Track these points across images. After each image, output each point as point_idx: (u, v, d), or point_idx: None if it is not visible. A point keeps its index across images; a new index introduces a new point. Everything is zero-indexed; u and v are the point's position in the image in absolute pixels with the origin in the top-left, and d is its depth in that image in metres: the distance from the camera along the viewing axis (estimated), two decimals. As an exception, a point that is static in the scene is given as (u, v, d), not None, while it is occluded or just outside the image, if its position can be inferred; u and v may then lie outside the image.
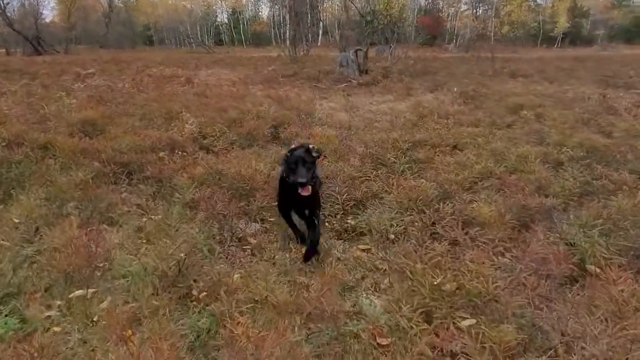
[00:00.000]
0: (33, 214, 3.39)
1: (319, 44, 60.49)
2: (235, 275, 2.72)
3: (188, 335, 2.20)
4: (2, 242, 3.10)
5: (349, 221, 3.60)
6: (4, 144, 4.47)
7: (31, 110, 6.89)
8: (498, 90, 11.81)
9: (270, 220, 3.56)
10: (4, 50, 39.74)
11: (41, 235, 3.24)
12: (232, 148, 5.40)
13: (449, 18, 64.04)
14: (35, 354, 2.02)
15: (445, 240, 2.77)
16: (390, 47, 29.58)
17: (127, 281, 2.76)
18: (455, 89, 11.35)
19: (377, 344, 2.17)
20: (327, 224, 3.55)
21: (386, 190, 3.71)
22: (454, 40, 56.64)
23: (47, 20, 59.47)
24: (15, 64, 21.44)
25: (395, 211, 3.34)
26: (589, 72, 18.05)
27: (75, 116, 5.80)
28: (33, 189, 3.78)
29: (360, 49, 16.59)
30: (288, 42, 49.63)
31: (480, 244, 2.62)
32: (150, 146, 4.71)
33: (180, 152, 4.63)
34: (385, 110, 9.43)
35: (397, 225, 3.16)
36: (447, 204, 3.17)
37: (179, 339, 2.12)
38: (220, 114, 6.84)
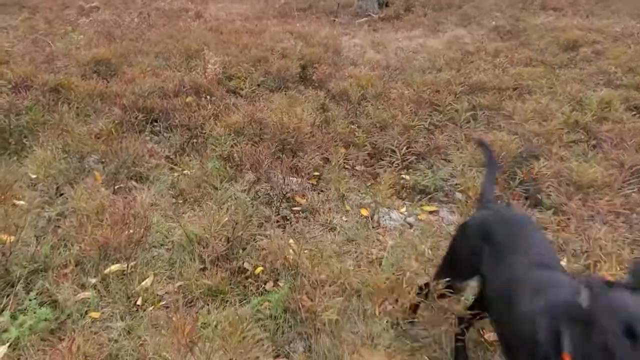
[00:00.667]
0: (51, 170, 2.96)
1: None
2: (293, 245, 2.30)
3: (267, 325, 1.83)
4: (19, 202, 2.69)
5: (407, 177, 3.16)
6: (10, 86, 3.96)
7: (36, 47, 6.27)
8: (535, 24, 10.85)
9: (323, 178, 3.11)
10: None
11: (62, 195, 2.83)
12: (260, 90, 4.85)
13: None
14: (74, 349, 1.66)
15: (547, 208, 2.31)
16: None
17: (169, 252, 2.38)
18: (494, 23, 10.44)
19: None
20: (383, 181, 3.08)
21: (454, 145, 3.22)
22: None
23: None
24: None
25: (469, 169, 2.87)
26: (625, 4, 16.70)
27: (86, 55, 5.20)
28: (48, 140, 3.32)
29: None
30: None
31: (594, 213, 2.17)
32: (172, 90, 4.17)
33: (207, 97, 4.09)
34: (417, 48, 8.69)
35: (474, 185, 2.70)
36: (542, 163, 2.67)
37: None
38: (242, 52, 6.19)
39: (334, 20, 13.22)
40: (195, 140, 3.45)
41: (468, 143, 3.15)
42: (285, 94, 4.77)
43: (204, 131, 3.46)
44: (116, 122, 3.52)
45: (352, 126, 3.84)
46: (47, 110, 3.71)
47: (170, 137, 3.65)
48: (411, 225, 2.70)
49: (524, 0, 17.57)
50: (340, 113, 4.17)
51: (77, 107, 3.73)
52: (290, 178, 2.88)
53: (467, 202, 2.64)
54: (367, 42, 9.47)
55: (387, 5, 15.77)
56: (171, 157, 3.43)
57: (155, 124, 3.81)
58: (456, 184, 3.01)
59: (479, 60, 6.04)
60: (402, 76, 5.42)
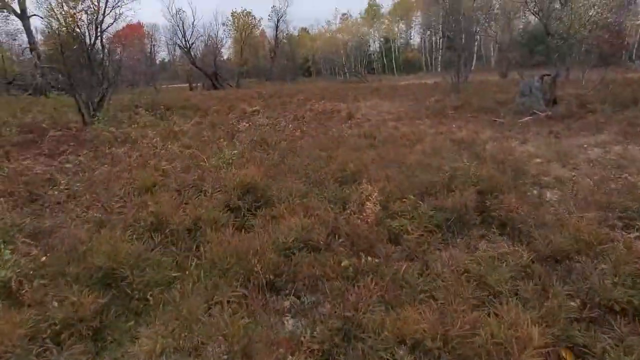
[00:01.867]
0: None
1: (473, 67, 56.75)
2: None
3: None
4: None
5: None
6: (146, 227, 3.52)
7: (192, 162, 6.24)
8: None
9: None
10: (187, 84, 45.27)
11: None
12: (429, 238, 3.71)
13: (630, 31, 54.42)
14: None
15: None
16: (567, 69, 25.30)
17: None
18: None
19: None
20: None
21: None
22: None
23: (225, 57, 67.33)
24: (194, 99, 23.46)
25: None
26: None
27: (234, 177, 4.79)
28: (161, 318, 2.58)
29: (548, 74, 13.74)
30: (440, 69, 47.33)
31: None
32: (324, 239, 3.29)
33: (366, 257, 3.08)
34: (619, 161, 6.84)
35: None
36: None
37: None
38: (404, 173, 5.27)
39: (495, 121, 11.94)
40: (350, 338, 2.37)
41: None
42: (468, 246, 3.55)
43: (362, 329, 2.37)
44: (243, 301, 2.66)
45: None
46: (176, 265, 3.08)
47: (315, 316, 2.65)
48: None
49: None
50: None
51: (205, 269, 3.00)
52: None
53: None
54: (545, 150, 7.91)
55: (555, 102, 14.01)
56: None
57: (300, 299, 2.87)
58: None
59: None
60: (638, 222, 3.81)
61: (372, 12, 75.69)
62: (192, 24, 43.77)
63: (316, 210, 4.04)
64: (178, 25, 43.63)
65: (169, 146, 8.03)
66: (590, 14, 17.81)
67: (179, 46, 44.24)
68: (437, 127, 11.54)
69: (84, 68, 12.71)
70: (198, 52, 53.61)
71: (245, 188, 4.67)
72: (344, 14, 73.12)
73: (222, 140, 8.14)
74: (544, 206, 4.72)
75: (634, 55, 48.68)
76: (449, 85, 21.42)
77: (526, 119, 12.32)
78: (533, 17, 48.51)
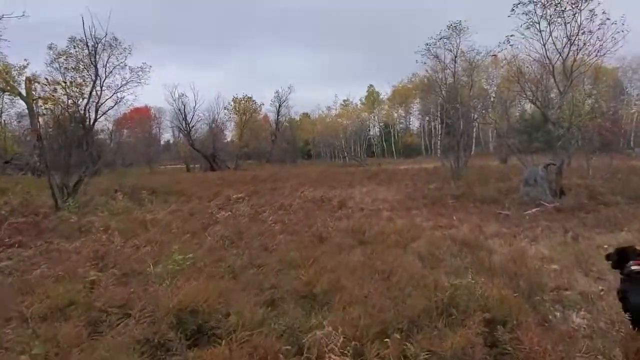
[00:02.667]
0: None
1: (472, 152, 57.22)
2: None
3: None
4: None
5: None
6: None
7: (138, 267, 5.19)
8: None
9: None
10: (185, 165, 45.30)
11: None
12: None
13: (626, 119, 55.52)
14: None
15: None
16: (569, 157, 24.89)
17: None
18: None
19: None
20: None
21: None
22: (640, 144, 47.92)
23: (228, 139, 68.70)
24: (185, 182, 22.86)
25: None
26: None
27: (173, 298, 3.72)
28: None
29: (553, 163, 13.04)
30: (439, 153, 47.64)
31: None
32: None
33: None
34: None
35: None
36: None
37: None
38: (390, 290, 4.19)
39: (500, 213, 10.99)
40: None
41: None
42: None
43: None
44: None
45: None
46: None
47: None
48: None
49: None
50: None
51: None
52: None
53: None
54: (560, 252, 6.84)
55: (562, 193, 13.17)
56: None
57: None
58: None
59: None
60: None
61: (372, 98, 78.42)
62: (194, 107, 44.86)
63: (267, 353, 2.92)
64: (180, 109, 44.70)
65: (129, 241, 7.02)
66: (588, 102, 17.66)
67: (179, 129, 44.93)
68: (436, 218, 10.57)
69: (63, 149, 12.08)
70: (201, 134, 54.91)
71: (184, 312, 3.58)
72: (344, 100, 75.62)
73: (188, 235, 7.14)
74: (574, 341, 3.59)
75: (632, 143, 49.11)
76: (449, 171, 20.82)
77: (533, 210, 11.38)
78: (529, 105, 49.76)
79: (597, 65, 17.24)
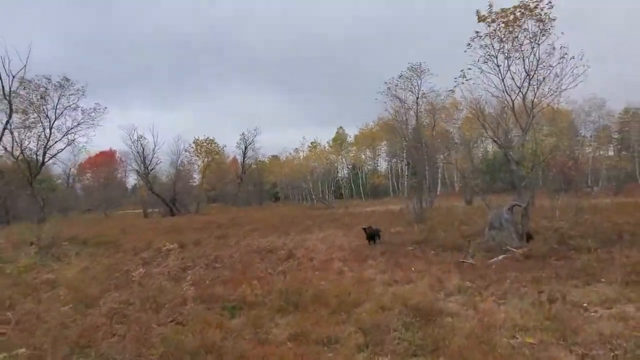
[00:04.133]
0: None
1: (438, 193, 57.18)
2: None
3: None
4: None
5: None
6: None
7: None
8: None
9: None
10: (142, 210, 42.72)
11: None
12: None
13: (584, 159, 57.15)
14: None
15: None
16: (532, 197, 24.39)
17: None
18: None
19: None
20: None
21: None
22: (599, 183, 48.91)
23: (196, 182, 66.57)
24: (131, 229, 20.91)
25: None
26: None
27: None
28: None
29: (518, 204, 12.10)
30: (406, 194, 47.09)
31: None
32: None
33: None
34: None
35: None
36: None
37: None
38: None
39: (463, 262, 9.79)
40: None
41: None
42: None
43: None
44: None
45: None
46: None
47: None
48: None
49: None
50: None
51: None
52: None
53: None
54: (534, 316, 5.60)
55: (530, 237, 12.18)
56: None
57: None
58: None
59: None
60: None
61: (340, 140, 78.50)
62: (153, 150, 42.92)
63: None
64: (138, 152, 42.69)
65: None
66: (550, 141, 17.20)
67: (137, 172, 42.82)
68: (393, 270, 9.26)
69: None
70: (168, 177, 52.86)
71: None
72: (312, 142, 75.30)
73: (70, 307, 5.55)
74: None
75: (589, 182, 50.07)
76: (413, 213, 19.75)
77: (500, 257, 10.25)
78: (491, 146, 50.35)
79: (553, 107, 17.00)
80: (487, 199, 12.94)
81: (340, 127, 78.38)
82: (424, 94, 25.97)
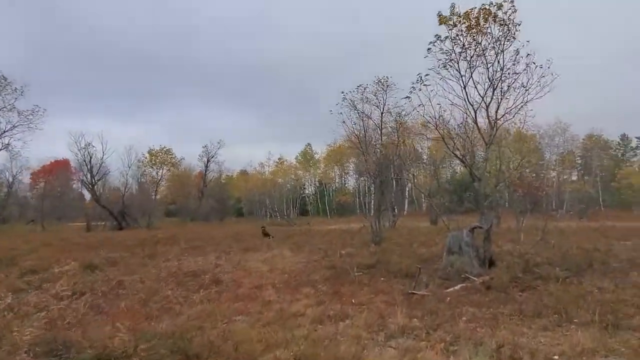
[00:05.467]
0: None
1: (405, 212, 56.27)
2: None
3: None
4: None
5: None
6: None
7: None
8: None
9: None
10: (85, 224, 39.53)
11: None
12: None
13: (549, 182, 57.65)
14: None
15: None
16: (498, 217, 23.44)
17: None
18: None
19: None
20: None
21: None
22: (563, 207, 49.18)
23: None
24: (58, 244, 18.58)
25: None
26: None
27: None
28: None
29: (480, 226, 10.78)
30: (372, 213, 45.91)
31: None
32: None
33: None
34: None
35: None
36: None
37: None
38: None
39: (412, 294, 8.29)
40: None
41: None
42: None
43: None
44: None
45: None
46: None
47: None
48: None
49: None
50: None
51: None
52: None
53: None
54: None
55: (492, 264, 10.87)
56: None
57: None
58: None
59: None
60: None
61: (308, 157, 77.13)
62: (101, 158, 39.80)
63: None
64: (85, 160, 39.71)
65: None
66: (515, 159, 16.19)
67: (83, 182, 39.83)
68: (330, 301, 7.68)
69: None
70: (129, 189, 49.99)
71: None
72: (279, 158, 73.60)
73: None
74: None
75: (554, 205, 50.21)
76: (371, 234, 18.28)
77: (457, 287, 8.82)
78: (460, 167, 49.91)
79: (519, 129, 16.08)
80: (446, 219, 11.56)
81: (308, 144, 77.06)
82: (389, 109, 24.65)
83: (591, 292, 7.94)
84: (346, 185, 77.98)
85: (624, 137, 69.99)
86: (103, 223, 39.09)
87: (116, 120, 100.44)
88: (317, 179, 74.99)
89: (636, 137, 69.30)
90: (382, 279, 9.93)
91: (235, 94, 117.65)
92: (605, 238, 18.47)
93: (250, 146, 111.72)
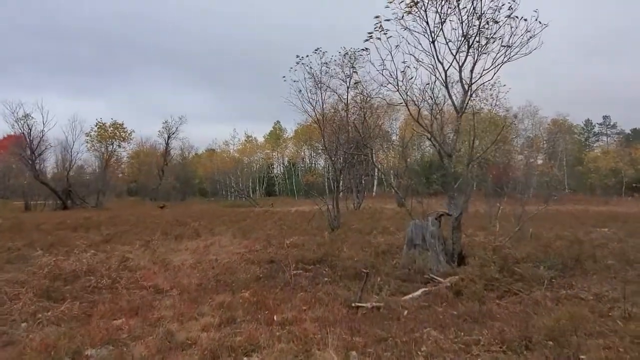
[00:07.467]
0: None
1: (374, 193, 54.67)
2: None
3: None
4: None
5: None
6: None
7: None
8: None
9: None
10: (23, 202, 35.72)
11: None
12: None
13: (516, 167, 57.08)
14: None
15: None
16: (467, 202, 21.74)
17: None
18: None
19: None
20: None
21: None
22: (530, 190, 48.55)
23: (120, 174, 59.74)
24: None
25: None
26: None
27: None
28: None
29: (448, 213, 8.83)
30: (342, 193, 43.95)
31: None
32: None
33: None
34: None
35: None
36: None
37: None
38: None
39: (356, 307, 6.26)
40: None
41: None
42: None
43: None
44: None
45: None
46: None
47: None
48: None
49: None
50: None
51: None
52: None
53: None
54: None
55: (462, 260, 8.96)
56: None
57: None
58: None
59: None
60: None
61: (276, 135, 74.27)
62: (42, 131, 35.88)
63: None
64: (23, 133, 35.84)
65: None
66: (489, 138, 14.34)
67: (20, 156, 36.02)
68: (246, 316, 5.55)
69: None
70: (89, 165, 46.07)
71: None
72: (248, 136, 70.44)
73: None
74: None
75: (520, 188, 49.49)
76: (327, 219, 16.18)
77: (419, 292, 6.86)
78: (430, 149, 48.33)
79: (490, 111, 14.23)
80: (409, 204, 9.57)
81: (277, 122, 74.07)
82: (355, 83, 22.17)
83: (587, 302, 6.12)
84: (316, 165, 75.65)
85: (587, 123, 70.38)
86: (43, 202, 35.56)
87: (79, 99, 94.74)
88: (287, 159, 72.31)
89: (598, 124, 70.03)
90: (325, 279, 7.87)
91: (204, 76, 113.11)
92: (582, 225, 17.06)
93: (221, 127, 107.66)
